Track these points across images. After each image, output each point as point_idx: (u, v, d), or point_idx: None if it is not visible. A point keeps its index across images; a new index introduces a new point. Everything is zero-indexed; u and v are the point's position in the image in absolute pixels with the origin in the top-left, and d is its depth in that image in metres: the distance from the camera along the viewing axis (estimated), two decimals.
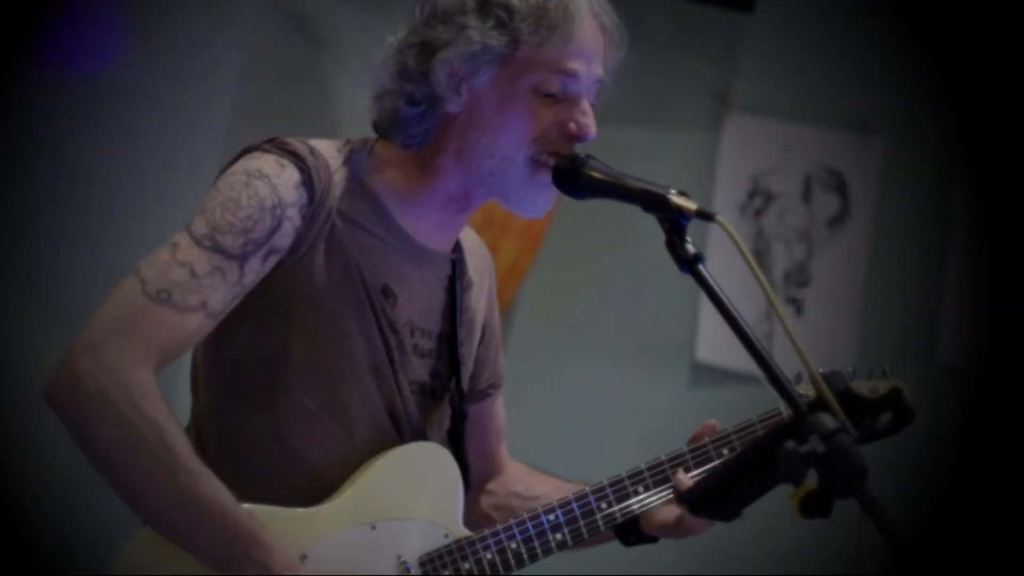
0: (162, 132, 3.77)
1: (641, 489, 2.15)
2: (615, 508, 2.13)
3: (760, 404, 2.27)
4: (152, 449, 1.82)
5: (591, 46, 2.06)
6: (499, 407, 2.36)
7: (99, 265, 3.69)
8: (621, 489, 2.14)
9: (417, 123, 2.07)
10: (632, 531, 2.16)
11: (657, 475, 2.16)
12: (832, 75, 4.45)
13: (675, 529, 2.13)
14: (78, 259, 3.68)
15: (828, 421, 1.66)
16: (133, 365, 1.84)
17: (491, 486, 2.34)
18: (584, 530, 2.12)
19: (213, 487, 1.86)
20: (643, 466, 2.17)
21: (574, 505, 2.12)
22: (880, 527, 1.64)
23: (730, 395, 4.16)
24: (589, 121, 2.06)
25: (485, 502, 2.32)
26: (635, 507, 2.14)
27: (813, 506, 1.66)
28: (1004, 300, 4.28)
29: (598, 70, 2.08)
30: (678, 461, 2.17)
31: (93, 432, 1.83)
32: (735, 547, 3.74)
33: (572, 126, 2.04)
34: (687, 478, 2.14)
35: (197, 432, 2.05)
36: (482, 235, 2.28)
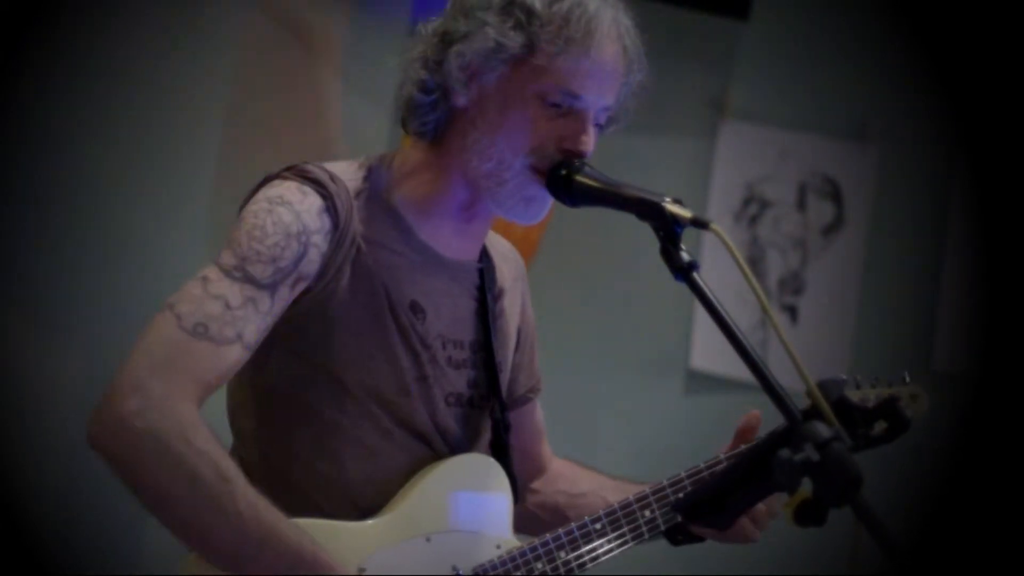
0: (157, 136, 3.77)
1: (682, 496, 2.16)
2: (658, 515, 2.14)
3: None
4: (209, 482, 1.81)
5: (606, 68, 2.05)
6: (538, 410, 2.38)
7: (95, 267, 3.69)
8: (663, 497, 2.15)
9: (429, 111, 2.09)
10: (680, 531, 2.17)
11: (696, 482, 2.17)
12: (827, 83, 4.45)
13: (724, 532, 2.15)
14: (74, 261, 3.68)
15: (822, 430, 1.66)
16: (179, 400, 1.82)
17: (536, 485, 2.35)
18: (629, 537, 2.13)
19: (271, 512, 1.86)
20: (683, 474, 2.18)
21: (619, 513, 2.13)
22: (875, 535, 1.63)
23: (725, 402, 4.16)
24: (588, 140, 2.05)
25: (531, 500, 2.33)
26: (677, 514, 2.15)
27: (808, 515, 1.66)
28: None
29: (609, 95, 2.07)
30: (715, 467, 2.19)
31: (146, 472, 1.81)
32: (733, 548, 3.73)
33: (570, 143, 2.04)
34: None
35: (239, 460, 2.03)
36: None
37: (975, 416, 4.24)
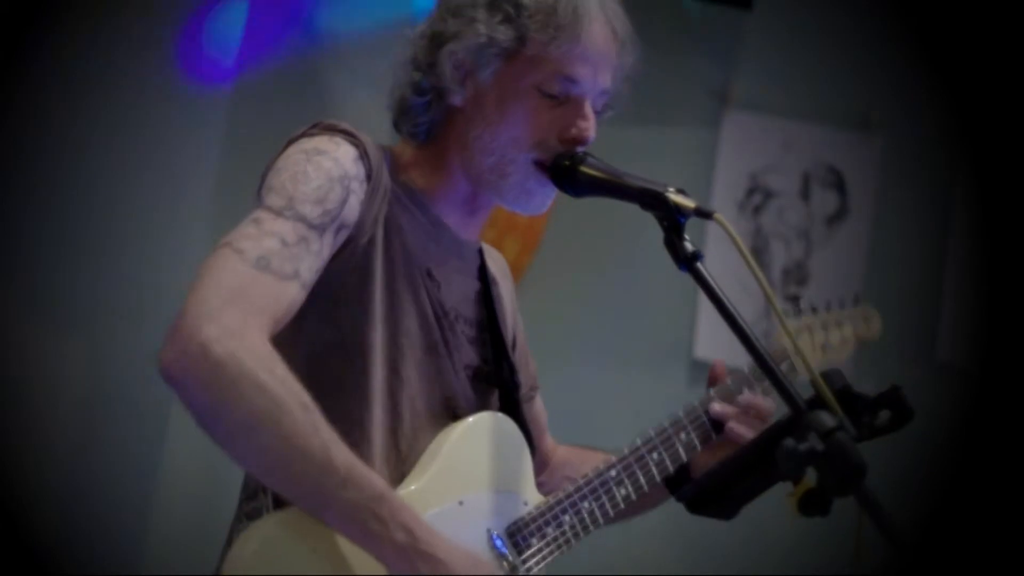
0: (158, 132, 3.77)
1: (684, 436, 2.23)
2: (665, 456, 2.21)
3: None
4: (294, 410, 1.75)
5: (598, 51, 2.07)
6: (539, 405, 2.42)
7: (99, 265, 3.70)
8: (667, 438, 2.22)
9: (423, 112, 2.10)
10: (684, 481, 2.23)
11: (694, 420, 2.25)
12: (831, 72, 4.45)
13: None
14: (78, 259, 3.68)
15: (827, 419, 1.66)
16: (254, 330, 1.77)
17: (542, 478, 2.37)
18: (643, 480, 2.19)
19: (347, 448, 1.81)
20: (680, 412, 2.25)
21: (630, 458, 2.19)
22: (878, 525, 1.63)
23: None
24: (588, 125, 2.07)
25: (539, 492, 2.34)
26: (681, 452, 2.23)
27: (812, 504, 1.66)
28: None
29: (604, 79, 2.09)
30: (708, 405, 2.27)
31: (229, 398, 1.73)
32: (735, 546, 3.73)
33: (572, 130, 2.06)
34: (724, 406, 2.26)
35: None
36: (485, 234, 2.30)
37: (979, 406, 4.24)
